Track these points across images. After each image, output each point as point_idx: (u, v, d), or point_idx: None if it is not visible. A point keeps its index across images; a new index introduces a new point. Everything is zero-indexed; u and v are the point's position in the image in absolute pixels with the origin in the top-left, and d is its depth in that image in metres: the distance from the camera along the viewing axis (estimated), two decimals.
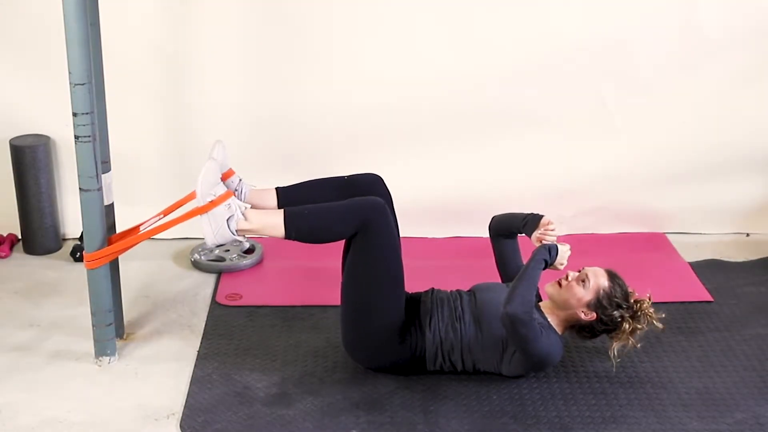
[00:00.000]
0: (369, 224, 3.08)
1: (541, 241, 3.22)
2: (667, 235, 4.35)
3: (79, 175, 3.11)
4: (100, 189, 3.14)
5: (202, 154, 3.57)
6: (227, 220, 3.10)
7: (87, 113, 3.03)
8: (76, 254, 4.03)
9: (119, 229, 3.35)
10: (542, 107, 4.17)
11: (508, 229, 3.41)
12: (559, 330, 3.19)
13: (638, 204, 4.34)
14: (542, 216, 3.28)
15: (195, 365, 3.32)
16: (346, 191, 3.25)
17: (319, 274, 3.88)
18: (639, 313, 3.17)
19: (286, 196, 3.30)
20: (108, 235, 3.23)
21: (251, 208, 3.17)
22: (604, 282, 3.15)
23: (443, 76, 4.09)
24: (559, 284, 3.18)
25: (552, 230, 3.25)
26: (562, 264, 3.20)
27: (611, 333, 3.18)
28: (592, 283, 3.15)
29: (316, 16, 4.01)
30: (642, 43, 4.09)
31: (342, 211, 3.12)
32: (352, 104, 4.13)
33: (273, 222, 3.12)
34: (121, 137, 3.74)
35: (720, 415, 3.07)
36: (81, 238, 3.98)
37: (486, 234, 3.42)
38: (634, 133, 4.24)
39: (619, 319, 3.15)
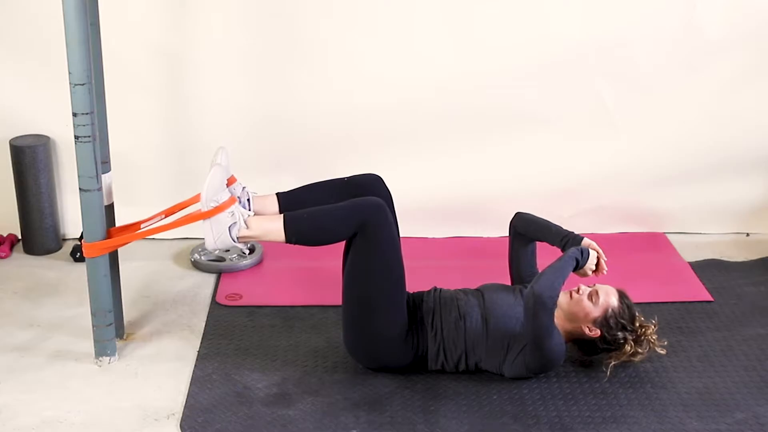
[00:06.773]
0: (368, 224, 3.08)
1: (591, 271, 3.21)
2: (667, 235, 4.34)
3: (79, 175, 3.11)
4: (100, 189, 3.14)
5: (202, 154, 3.57)
6: (229, 228, 3.11)
7: (87, 113, 3.03)
8: (76, 254, 4.03)
9: None
10: (542, 107, 4.17)
11: (538, 238, 3.36)
12: None
13: (638, 204, 4.33)
14: (582, 237, 3.25)
15: (195, 365, 3.32)
16: (346, 192, 3.25)
17: (319, 274, 3.88)
18: (642, 338, 3.18)
19: (287, 201, 3.30)
20: None
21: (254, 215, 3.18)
22: (613, 301, 3.16)
23: (443, 77, 4.09)
24: (570, 295, 3.19)
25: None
26: (591, 269, 3.20)
27: (612, 352, 3.19)
28: (602, 300, 3.15)
29: (316, 17, 4.01)
30: (642, 43, 4.09)
31: (341, 213, 3.12)
32: (352, 104, 4.12)
33: (273, 228, 3.13)
34: (121, 137, 3.74)
35: (720, 415, 3.07)
36: (81, 238, 3.98)
37: (487, 234, 3.41)
38: (634, 133, 4.23)
39: (622, 341, 3.15)
